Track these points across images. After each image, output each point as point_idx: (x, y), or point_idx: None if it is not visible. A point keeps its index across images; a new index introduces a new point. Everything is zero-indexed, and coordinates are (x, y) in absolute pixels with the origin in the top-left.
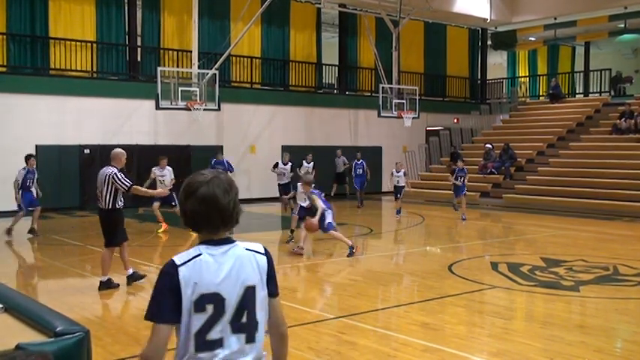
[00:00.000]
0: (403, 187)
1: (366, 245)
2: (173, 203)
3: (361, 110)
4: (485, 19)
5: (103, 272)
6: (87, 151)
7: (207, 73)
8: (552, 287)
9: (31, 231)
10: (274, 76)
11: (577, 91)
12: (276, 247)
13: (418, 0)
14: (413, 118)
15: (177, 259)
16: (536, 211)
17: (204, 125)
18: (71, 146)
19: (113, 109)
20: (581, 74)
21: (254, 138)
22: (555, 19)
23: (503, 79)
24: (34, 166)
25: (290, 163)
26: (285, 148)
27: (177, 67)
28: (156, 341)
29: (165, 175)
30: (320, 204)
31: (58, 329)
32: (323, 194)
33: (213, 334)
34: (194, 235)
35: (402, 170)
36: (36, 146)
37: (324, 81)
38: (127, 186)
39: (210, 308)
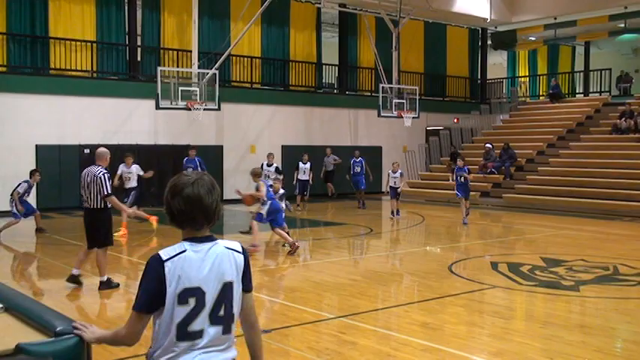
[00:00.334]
0: (399, 187)
1: (366, 245)
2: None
3: (361, 110)
4: (485, 19)
5: (101, 273)
6: (87, 150)
7: (207, 73)
8: (552, 287)
9: (39, 230)
10: (274, 76)
11: (577, 91)
12: (276, 247)
13: (418, 0)
14: (413, 118)
15: (163, 254)
16: (536, 211)
17: (204, 125)
18: (71, 146)
19: (113, 108)
20: (581, 74)
21: (254, 138)
22: (555, 18)
23: (503, 79)
24: (38, 181)
25: (309, 163)
26: (285, 148)
27: (177, 67)
28: (138, 328)
29: (132, 171)
30: (263, 191)
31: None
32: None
33: (195, 326)
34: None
35: (399, 171)
36: (36, 146)
37: (324, 81)
38: (109, 192)
39: (192, 301)
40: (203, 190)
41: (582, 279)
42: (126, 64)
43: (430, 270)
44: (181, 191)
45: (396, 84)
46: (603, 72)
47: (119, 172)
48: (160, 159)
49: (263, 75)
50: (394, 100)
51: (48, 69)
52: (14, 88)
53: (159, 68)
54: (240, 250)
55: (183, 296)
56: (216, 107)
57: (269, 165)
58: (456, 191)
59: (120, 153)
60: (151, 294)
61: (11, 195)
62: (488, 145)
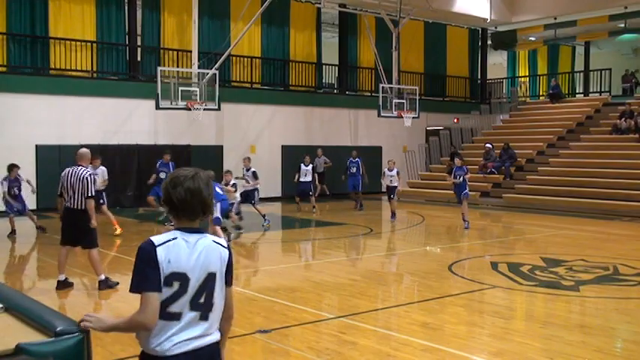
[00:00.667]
0: (396, 187)
1: (366, 245)
2: (101, 201)
3: (361, 110)
4: (485, 19)
5: (98, 273)
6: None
7: (207, 73)
8: (552, 287)
9: (40, 228)
10: (274, 76)
11: (577, 91)
12: (276, 247)
13: (418, 0)
14: (413, 118)
15: (155, 239)
16: (536, 211)
17: (204, 125)
18: (71, 146)
19: (113, 108)
20: (581, 74)
21: (254, 138)
22: (555, 18)
23: (503, 79)
24: (18, 175)
25: (311, 164)
26: (285, 148)
27: (177, 67)
28: (150, 309)
29: (97, 174)
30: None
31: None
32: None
33: (174, 308)
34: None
35: (395, 169)
36: (36, 146)
37: (324, 81)
38: (92, 194)
39: (176, 285)
40: (202, 183)
41: (582, 279)
42: (126, 64)
43: (430, 270)
44: (183, 183)
45: (396, 84)
46: (603, 72)
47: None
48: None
49: (263, 75)
50: (394, 100)
51: (48, 69)
52: (14, 88)
53: (159, 68)
54: (226, 245)
55: (169, 279)
56: (216, 107)
57: (247, 169)
58: (454, 193)
59: (120, 153)
60: (149, 274)
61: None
62: (488, 145)
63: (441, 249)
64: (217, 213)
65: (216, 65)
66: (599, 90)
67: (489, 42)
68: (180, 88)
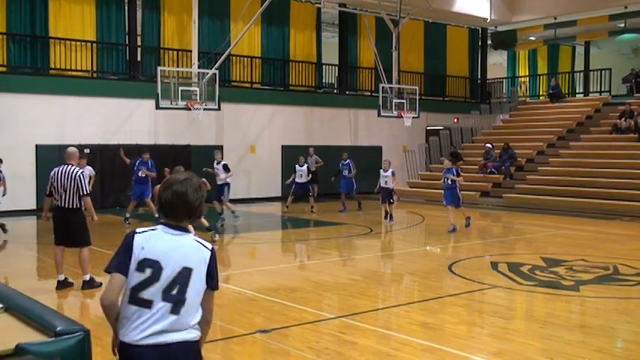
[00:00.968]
0: (392, 188)
1: (366, 245)
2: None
3: (361, 110)
4: (485, 19)
5: (84, 272)
6: (87, 150)
7: (207, 73)
8: (552, 287)
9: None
10: (274, 76)
11: (577, 91)
12: (276, 247)
13: (418, 0)
14: (413, 117)
15: (138, 229)
16: (536, 211)
17: (204, 125)
18: (71, 146)
19: (113, 108)
20: (581, 74)
21: (254, 138)
22: (555, 18)
23: (503, 78)
24: None
25: (306, 164)
26: (285, 148)
27: (177, 66)
28: (109, 287)
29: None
30: None
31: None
32: None
33: (146, 295)
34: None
35: (390, 170)
36: (36, 146)
37: (324, 81)
38: (87, 191)
39: (148, 271)
40: (190, 188)
41: (582, 279)
42: (126, 64)
43: (430, 270)
44: (171, 186)
45: (396, 84)
46: (603, 72)
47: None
48: (160, 159)
49: (263, 75)
50: (394, 100)
51: (48, 69)
52: (14, 88)
53: (159, 68)
54: (210, 247)
55: (142, 264)
56: (216, 107)
57: (218, 163)
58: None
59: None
60: (121, 258)
61: None
62: (488, 145)
63: (441, 249)
64: None
65: (216, 65)
66: (599, 90)
67: (489, 42)
68: (180, 88)
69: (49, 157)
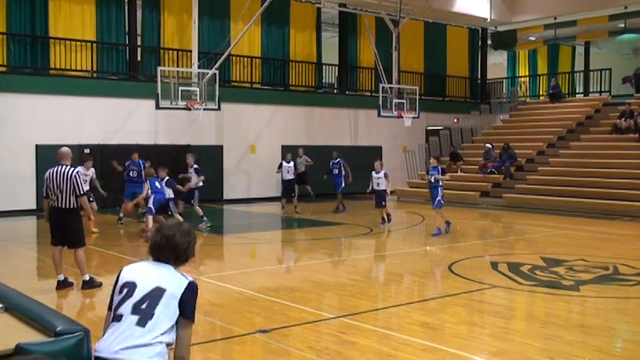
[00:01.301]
0: (385, 190)
1: (366, 245)
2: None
3: (361, 110)
4: (485, 19)
5: (82, 272)
6: (87, 150)
7: (207, 73)
8: (552, 287)
9: None
10: (274, 76)
11: (577, 91)
12: (276, 247)
13: (418, 0)
14: (413, 117)
15: (130, 264)
16: (536, 211)
17: (204, 125)
18: (71, 146)
19: (113, 108)
20: (581, 74)
21: (254, 138)
22: (555, 18)
23: (503, 78)
24: None
25: (292, 162)
26: (285, 148)
27: (177, 66)
28: (105, 321)
29: (89, 174)
30: (144, 193)
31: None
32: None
33: (120, 310)
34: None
35: (383, 171)
36: (36, 146)
37: (324, 81)
38: (84, 192)
39: (125, 290)
40: (178, 232)
41: (582, 279)
42: (126, 64)
43: (430, 270)
44: (161, 230)
45: (396, 84)
46: (603, 72)
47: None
48: (160, 159)
49: (263, 75)
50: (394, 100)
51: (48, 69)
52: (14, 88)
53: (159, 68)
54: (189, 278)
55: (122, 287)
56: (216, 107)
57: (190, 167)
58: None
59: (120, 153)
60: (111, 296)
61: None
62: (488, 145)
63: (440, 249)
64: (150, 204)
65: (216, 65)
66: (599, 90)
67: (489, 42)
68: (180, 88)
69: (49, 157)
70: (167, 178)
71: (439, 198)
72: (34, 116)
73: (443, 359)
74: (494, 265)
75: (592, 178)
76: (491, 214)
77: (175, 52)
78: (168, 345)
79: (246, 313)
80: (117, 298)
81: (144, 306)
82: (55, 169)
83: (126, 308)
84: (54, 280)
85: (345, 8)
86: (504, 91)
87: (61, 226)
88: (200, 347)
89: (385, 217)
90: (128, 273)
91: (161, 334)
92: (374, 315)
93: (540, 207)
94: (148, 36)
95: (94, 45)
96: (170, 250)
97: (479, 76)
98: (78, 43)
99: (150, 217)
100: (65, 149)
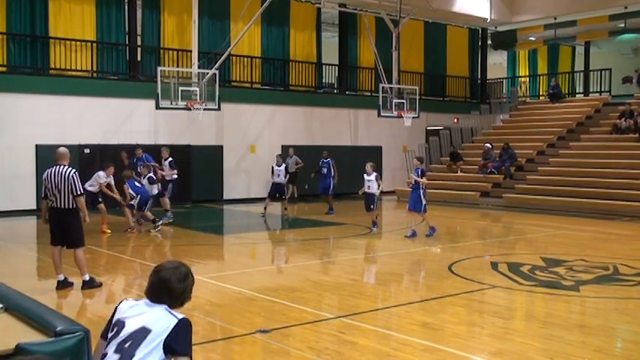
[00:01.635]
0: (373, 194)
1: (366, 245)
2: (99, 199)
3: (361, 110)
4: (485, 19)
5: (82, 273)
6: (87, 150)
7: (207, 73)
8: (552, 287)
9: None
10: (274, 76)
11: (577, 91)
12: (276, 247)
13: (418, 0)
14: (413, 117)
15: (129, 299)
16: (536, 211)
17: (204, 125)
18: (71, 146)
19: (113, 108)
20: (581, 74)
21: (254, 138)
22: (555, 18)
23: (503, 78)
24: None
25: (284, 164)
26: (285, 148)
27: (177, 66)
28: (95, 349)
29: (109, 181)
30: (127, 194)
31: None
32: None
33: (107, 349)
34: (196, 235)
35: (374, 173)
36: (36, 146)
37: (324, 81)
38: (81, 192)
39: (115, 329)
40: (174, 277)
41: (582, 279)
42: (126, 64)
43: (430, 270)
44: (159, 272)
45: (396, 84)
46: (603, 72)
47: (101, 181)
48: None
49: (263, 75)
50: (394, 100)
51: (48, 69)
52: (14, 88)
53: (159, 68)
54: (179, 317)
55: (114, 325)
56: (216, 107)
57: (165, 159)
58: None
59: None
60: (106, 325)
61: None
62: (487, 145)
63: (441, 249)
64: (134, 202)
65: (216, 65)
66: (599, 90)
67: (489, 42)
68: (180, 88)
69: (49, 157)
70: (149, 174)
71: (425, 203)
72: (34, 116)
73: (443, 359)
74: (494, 265)
75: (592, 178)
76: (491, 214)
77: (175, 52)
78: None
79: (246, 313)
80: (109, 335)
81: (127, 345)
82: (53, 169)
83: (111, 348)
84: (54, 280)
85: (345, 8)
86: (504, 91)
87: (61, 226)
88: (200, 347)
89: (373, 220)
90: (124, 307)
91: None
92: (374, 315)
93: (540, 207)
94: (148, 36)
95: (94, 45)
96: (166, 295)
97: (479, 76)
98: (78, 43)
99: (128, 211)
100: (63, 149)
